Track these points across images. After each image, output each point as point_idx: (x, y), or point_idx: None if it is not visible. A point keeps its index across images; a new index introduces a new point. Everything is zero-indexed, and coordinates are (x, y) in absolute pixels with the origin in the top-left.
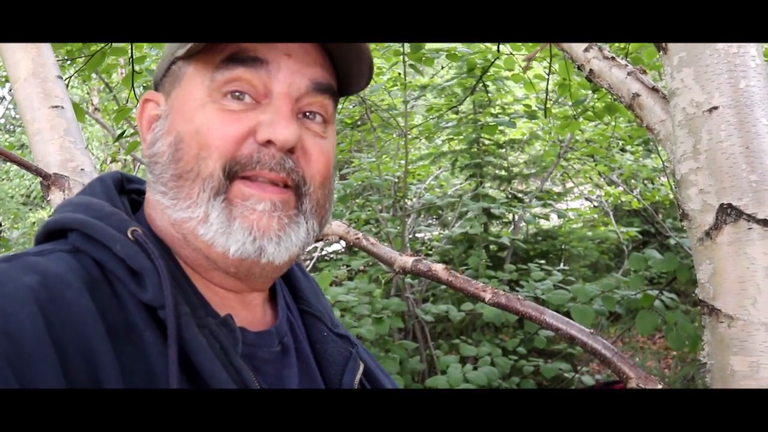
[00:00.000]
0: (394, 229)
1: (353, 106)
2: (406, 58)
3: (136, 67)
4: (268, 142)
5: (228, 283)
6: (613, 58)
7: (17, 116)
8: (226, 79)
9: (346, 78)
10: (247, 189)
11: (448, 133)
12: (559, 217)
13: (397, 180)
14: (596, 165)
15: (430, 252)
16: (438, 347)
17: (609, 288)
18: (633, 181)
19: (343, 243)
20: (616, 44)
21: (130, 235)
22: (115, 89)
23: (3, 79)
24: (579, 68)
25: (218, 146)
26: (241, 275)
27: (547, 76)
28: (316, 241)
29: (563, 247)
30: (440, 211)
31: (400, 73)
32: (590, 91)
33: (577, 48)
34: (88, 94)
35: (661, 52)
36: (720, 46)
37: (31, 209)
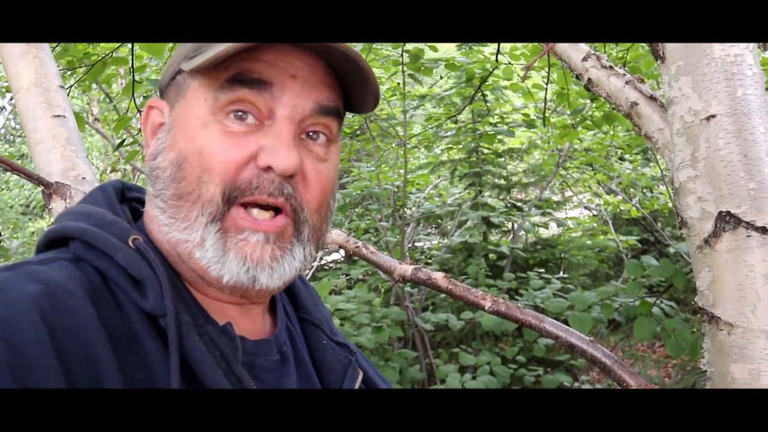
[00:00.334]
0: (394, 238)
1: (353, 116)
2: (405, 68)
3: (137, 77)
4: (269, 168)
5: (225, 298)
6: (611, 67)
7: (17, 126)
8: (230, 100)
9: (352, 100)
10: (242, 221)
11: (447, 142)
12: (558, 225)
13: (396, 189)
14: (595, 174)
15: (430, 261)
16: (438, 356)
17: (607, 295)
18: (632, 189)
19: (342, 252)
20: (614, 53)
21: (131, 244)
22: (115, 99)
23: (3, 90)
24: (577, 77)
25: (219, 171)
26: (237, 295)
27: (545, 86)
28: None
29: (562, 255)
30: (439, 220)
31: (399, 83)
32: (589, 100)
33: (576, 57)
34: (88, 104)
35: (658, 61)
36: (717, 54)
37: (30, 219)
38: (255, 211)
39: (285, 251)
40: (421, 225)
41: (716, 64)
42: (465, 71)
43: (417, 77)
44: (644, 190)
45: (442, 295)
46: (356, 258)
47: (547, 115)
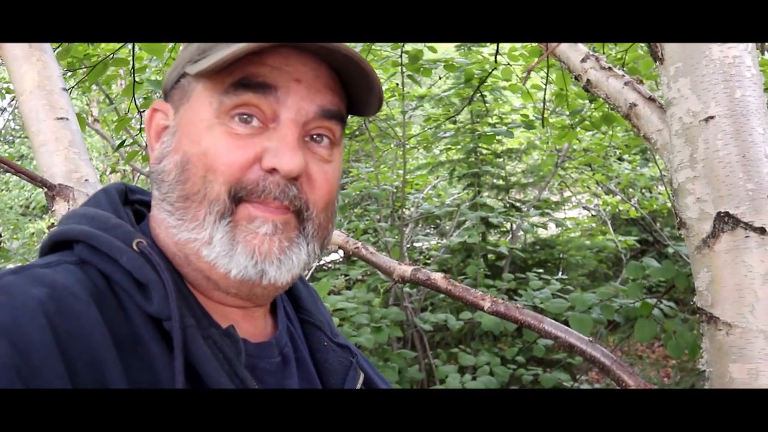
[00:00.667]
0: (393, 238)
1: (351, 116)
2: (404, 69)
3: (137, 77)
4: (273, 170)
5: (229, 301)
6: (610, 68)
7: (17, 127)
8: (235, 104)
9: (356, 103)
10: (254, 210)
11: (446, 142)
12: (557, 226)
13: (395, 190)
14: (594, 174)
15: (428, 261)
16: (437, 356)
17: (607, 297)
18: (631, 189)
19: (341, 252)
20: (613, 54)
21: (135, 247)
22: (115, 100)
23: (3, 91)
24: (576, 78)
25: (224, 171)
26: (243, 295)
27: (544, 86)
28: None
29: (561, 256)
30: (438, 221)
31: (398, 84)
32: (587, 101)
33: (575, 58)
34: (87, 105)
35: (657, 63)
36: (716, 56)
37: (30, 220)
38: (262, 207)
39: (292, 243)
40: (420, 225)
41: (715, 65)
42: (464, 72)
43: (416, 78)
44: (643, 190)
45: (441, 295)
46: (355, 258)
47: (545, 115)
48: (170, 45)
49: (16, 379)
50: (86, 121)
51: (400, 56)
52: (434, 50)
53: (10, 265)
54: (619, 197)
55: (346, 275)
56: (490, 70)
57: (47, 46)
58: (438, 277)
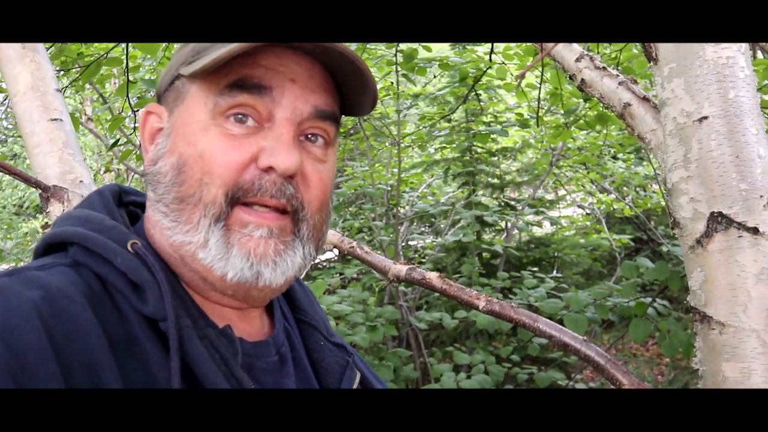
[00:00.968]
0: (387, 237)
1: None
2: (399, 68)
3: (131, 77)
4: (270, 168)
5: (225, 301)
6: (604, 68)
7: (9, 126)
8: (229, 105)
9: (350, 102)
10: (246, 216)
11: (441, 141)
12: (551, 224)
13: (390, 188)
14: (588, 173)
15: (423, 260)
16: (432, 355)
17: (601, 296)
18: (625, 188)
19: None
20: (607, 54)
21: (130, 249)
22: (109, 99)
23: None
24: (571, 78)
25: (221, 173)
26: (239, 297)
27: (538, 85)
28: None
29: (556, 254)
30: (433, 219)
31: (392, 83)
32: (582, 101)
33: (569, 58)
34: (81, 104)
35: (651, 63)
36: (709, 56)
37: (24, 219)
38: (257, 208)
39: (287, 245)
40: (415, 224)
41: (708, 66)
42: (458, 70)
43: (410, 77)
44: (637, 189)
45: (436, 294)
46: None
47: (540, 114)
48: (164, 44)
49: (11, 382)
50: (80, 120)
51: (395, 55)
52: (429, 49)
53: (4, 265)
54: (613, 196)
55: (341, 274)
56: (484, 69)
57: (41, 47)
58: (433, 277)
